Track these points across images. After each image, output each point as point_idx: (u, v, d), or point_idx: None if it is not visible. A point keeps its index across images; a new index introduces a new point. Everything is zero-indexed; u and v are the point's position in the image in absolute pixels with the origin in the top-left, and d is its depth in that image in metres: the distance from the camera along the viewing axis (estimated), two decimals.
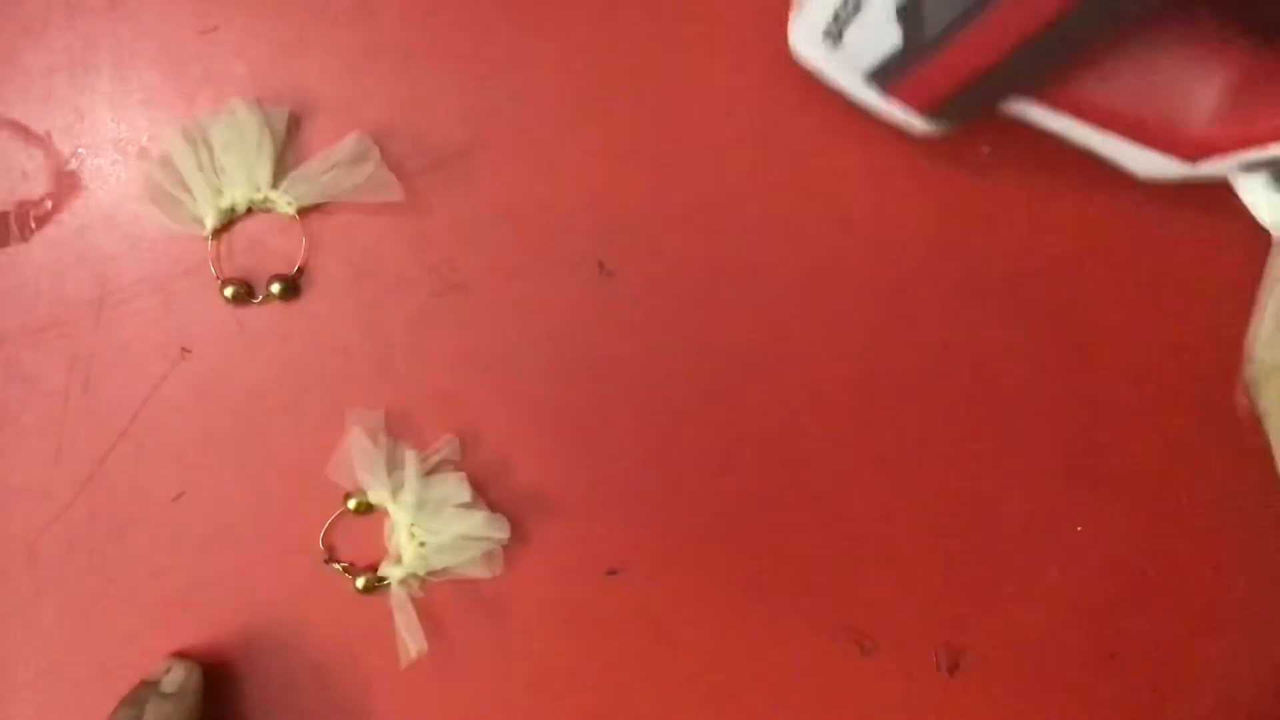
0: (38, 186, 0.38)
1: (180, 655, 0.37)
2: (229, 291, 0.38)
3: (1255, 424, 0.39)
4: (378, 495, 0.37)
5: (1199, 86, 0.33)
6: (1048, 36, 0.31)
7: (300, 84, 0.39)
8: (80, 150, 0.38)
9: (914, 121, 0.37)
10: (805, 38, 0.36)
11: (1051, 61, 0.33)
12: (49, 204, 0.38)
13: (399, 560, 0.37)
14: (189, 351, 0.38)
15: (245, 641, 0.38)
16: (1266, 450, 0.39)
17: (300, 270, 0.38)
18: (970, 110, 0.36)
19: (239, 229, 0.38)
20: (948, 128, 0.37)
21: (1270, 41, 0.33)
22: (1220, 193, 0.39)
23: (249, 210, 0.38)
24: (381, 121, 0.39)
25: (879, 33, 0.33)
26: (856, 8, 0.33)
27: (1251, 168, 0.35)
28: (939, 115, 0.36)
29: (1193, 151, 0.35)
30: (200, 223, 0.37)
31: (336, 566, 0.38)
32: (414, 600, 0.37)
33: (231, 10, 0.39)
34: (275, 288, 0.38)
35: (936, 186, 0.39)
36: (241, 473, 0.38)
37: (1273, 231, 0.38)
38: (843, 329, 0.39)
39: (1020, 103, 0.36)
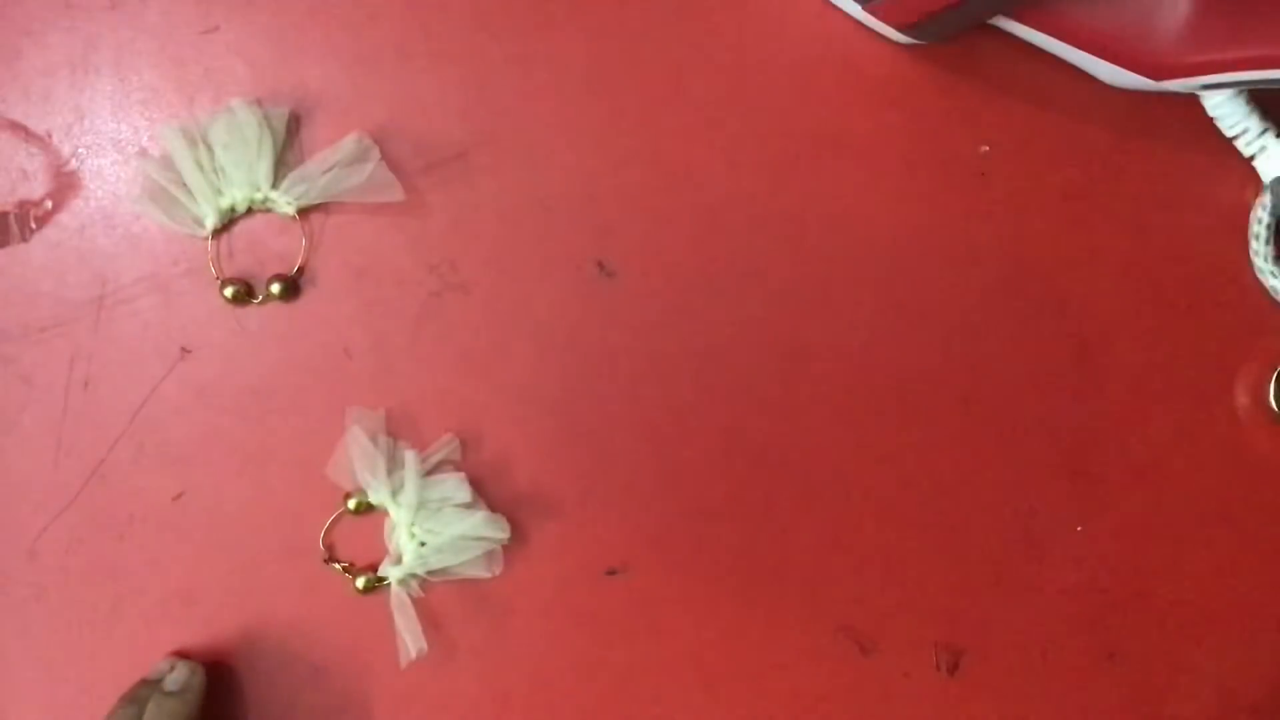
0: (38, 186, 0.38)
1: (180, 655, 0.37)
2: (229, 291, 0.38)
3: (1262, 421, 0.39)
4: (377, 495, 0.37)
5: (1164, 12, 0.34)
6: None
7: (300, 84, 0.39)
8: (80, 150, 0.39)
9: (896, 37, 0.38)
10: None
11: None
12: (49, 204, 0.38)
13: (399, 560, 0.37)
14: (189, 351, 0.38)
15: (245, 641, 0.38)
16: (1266, 448, 0.39)
17: (300, 270, 0.38)
18: (945, 32, 0.37)
19: (239, 229, 0.38)
20: (926, 42, 0.38)
21: None
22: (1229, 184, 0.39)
23: (249, 210, 0.38)
24: (381, 121, 0.39)
25: None
26: None
27: (1213, 87, 0.35)
28: (917, 33, 0.37)
29: (1158, 73, 0.35)
30: (200, 223, 0.37)
31: (336, 566, 0.38)
32: (414, 600, 0.37)
33: (232, 10, 0.39)
34: (275, 288, 0.38)
35: (936, 186, 0.39)
36: (242, 473, 0.38)
37: (1239, 147, 0.38)
38: (843, 329, 0.39)
39: (993, 19, 0.37)
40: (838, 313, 0.39)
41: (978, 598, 0.39)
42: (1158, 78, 0.36)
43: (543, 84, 0.39)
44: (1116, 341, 0.39)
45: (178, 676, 0.34)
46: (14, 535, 0.38)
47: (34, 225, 0.38)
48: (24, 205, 0.38)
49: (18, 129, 0.38)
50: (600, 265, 0.39)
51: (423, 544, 0.37)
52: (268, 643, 0.38)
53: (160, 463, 0.38)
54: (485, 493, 0.38)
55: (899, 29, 0.37)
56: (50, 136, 0.38)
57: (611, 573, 0.39)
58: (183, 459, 0.38)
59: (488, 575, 0.37)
